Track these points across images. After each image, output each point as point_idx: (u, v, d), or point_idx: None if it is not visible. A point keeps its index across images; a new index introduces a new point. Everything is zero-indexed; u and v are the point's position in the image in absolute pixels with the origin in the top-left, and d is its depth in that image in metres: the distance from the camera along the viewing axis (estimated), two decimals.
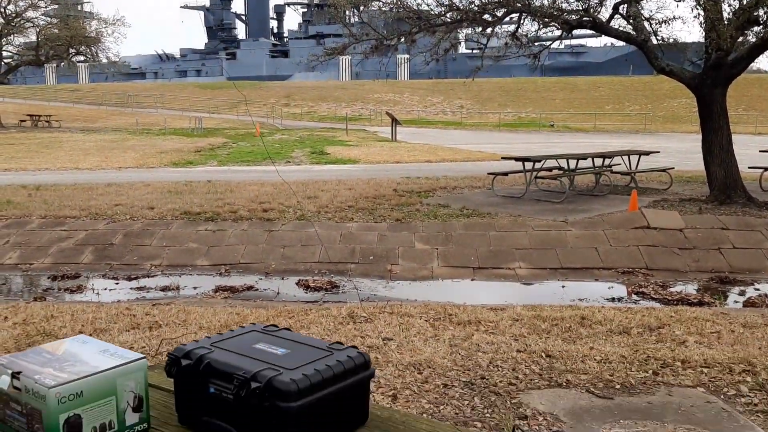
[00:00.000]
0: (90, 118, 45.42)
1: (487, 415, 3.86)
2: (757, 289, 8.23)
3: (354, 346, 1.78)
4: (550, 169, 13.18)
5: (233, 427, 1.62)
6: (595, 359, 4.77)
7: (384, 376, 4.44)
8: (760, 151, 14.73)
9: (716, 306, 7.21)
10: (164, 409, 1.84)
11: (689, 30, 34.84)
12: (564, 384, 4.36)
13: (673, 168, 14.89)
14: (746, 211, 10.89)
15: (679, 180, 14.66)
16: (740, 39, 11.21)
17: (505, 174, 13.50)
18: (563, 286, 8.50)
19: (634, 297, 7.95)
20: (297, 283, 8.44)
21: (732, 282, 8.57)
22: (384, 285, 8.52)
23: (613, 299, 7.74)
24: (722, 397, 4.20)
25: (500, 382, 4.36)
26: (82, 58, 48.16)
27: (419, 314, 6.11)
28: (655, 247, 9.63)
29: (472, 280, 8.85)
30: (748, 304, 7.55)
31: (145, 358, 1.69)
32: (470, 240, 9.91)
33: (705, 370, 4.57)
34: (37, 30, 42.49)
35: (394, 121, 30.24)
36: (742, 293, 8.19)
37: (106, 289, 8.22)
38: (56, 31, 42.25)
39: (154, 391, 1.95)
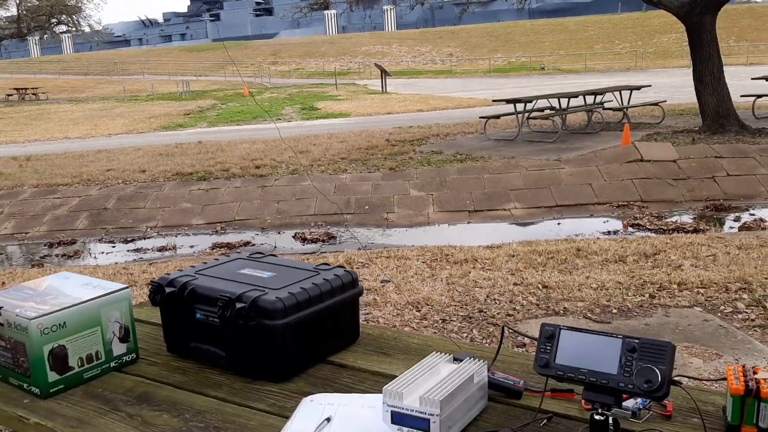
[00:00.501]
0: (77, 88, 44.87)
1: (486, 344, 3.90)
2: (752, 214, 8.25)
3: (341, 266, 1.77)
4: (541, 110, 13.09)
5: (221, 350, 1.62)
6: (591, 287, 4.80)
7: (383, 316, 4.48)
8: (752, 79, 14.61)
9: (712, 232, 7.23)
10: (154, 342, 1.85)
11: None
12: (561, 312, 4.40)
13: (665, 101, 14.79)
14: (739, 139, 10.86)
15: (671, 113, 14.57)
16: None
17: (497, 117, 13.40)
18: (558, 224, 8.52)
19: (630, 229, 7.98)
20: (294, 237, 8.46)
21: (727, 209, 8.59)
22: (381, 233, 8.55)
23: (608, 232, 7.77)
24: (719, 314, 4.25)
25: (498, 314, 4.40)
26: (64, 28, 47.38)
27: (416, 257, 6.13)
28: (649, 180, 9.63)
29: (468, 222, 8.87)
30: (744, 228, 7.58)
31: (129, 287, 1.69)
32: (464, 184, 9.90)
33: (701, 291, 4.61)
34: (17, 2, 41.71)
35: (384, 73, 29.91)
36: (737, 219, 8.21)
37: (103, 252, 8.23)
38: (36, 1, 41.46)
39: (144, 326, 1.96)
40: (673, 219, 8.25)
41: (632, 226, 8.15)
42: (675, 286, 4.74)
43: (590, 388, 1.21)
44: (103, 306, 1.63)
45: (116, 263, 7.51)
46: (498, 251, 6.09)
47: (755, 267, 5.10)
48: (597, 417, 1.20)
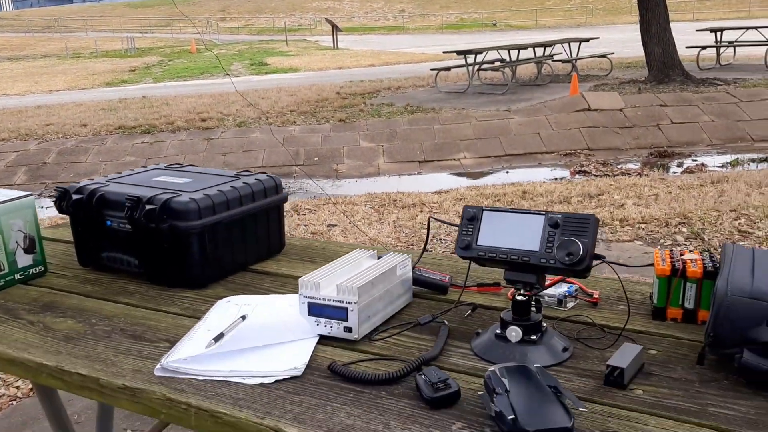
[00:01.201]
0: (17, 46, 42.97)
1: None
2: (695, 160, 8.40)
3: (263, 172, 1.69)
4: (492, 62, 13.03)
5: (134, 258, 1.53)
6: None
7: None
8: (696, 31, 14.78)
9: (655, 174, 7.34)
10: (65, 257, 1.75)
11: None
12: None
13: (613, 53, 14.87)
14: (684, 88, 11.00)
15: (619, 66, 14.68)
16: None
17: (448, 69, 13.29)
18: (507, 172, 8.55)
19: (577, 176, 8.05)
20: None
21: (671, 155, 8.73)
22: (330, 184, 8.45)
23: (555, 179, 7.81)
24: (659, 247, 4.30)
25: (443, 252, 4.38)
26: None
27: (364, 202, 6.07)
28: (596, 128, 9.70)
29: (419, 173, 8.83)
30: (686, 172, 7.71)
31: (32, 194, 1.58)
32: (415, 135, 9.83)
33: (642, 226, 4.67)
34: None
35: (335, 29, 29.39)
36: (680, 165, 8.35)
37: (42, 207, 7.94)
38: None
39: (57, 245, 1.85)
40: (619, 165, 8.35)
41: (579, 173, 8.22)
42: (617, 222, 4.79)
43: (512, 268, 1.17)
44: (3, 214, 1.51)
45: (55, 216, 7.25)
46: (446, 195, 6.06)
47: (695, 204, 5.19)
48: (519, 297, 1.16)
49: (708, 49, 13.78)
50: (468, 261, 1.22)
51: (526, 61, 13.24)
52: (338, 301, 1.21)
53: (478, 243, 1.19)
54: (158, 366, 1.16)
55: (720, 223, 4.71)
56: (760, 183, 5.90)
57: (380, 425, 0.97)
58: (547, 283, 1.27)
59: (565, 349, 1.16)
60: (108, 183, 1.63)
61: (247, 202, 1.58)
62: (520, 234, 1.16)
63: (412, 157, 9.26)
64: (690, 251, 1.30)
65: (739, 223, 4.72)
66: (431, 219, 1.43)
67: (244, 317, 1.30)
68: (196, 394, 1.08)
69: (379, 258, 1.41)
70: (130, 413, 2.70)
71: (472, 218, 1.20)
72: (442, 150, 9.46)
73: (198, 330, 1.28)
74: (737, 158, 8.33)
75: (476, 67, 12.67)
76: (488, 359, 1.15)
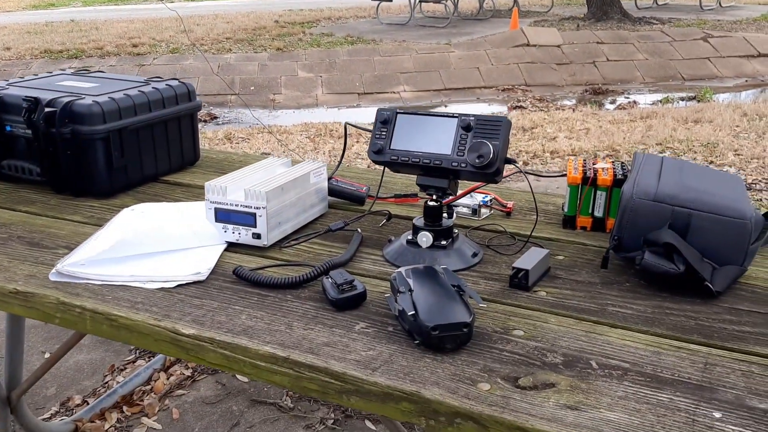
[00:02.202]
0: None
1: None
2: (627, 97, 8.54)
3: (175, 78, 1.61)
4: None
5: (36, 165, 1.45)
6: None
7: None
8: None
9: (587, 109, 7.44)
10: None
11: None
12: None
13: None
14: (621, 26, 11.09)
15: (559, 3, 14.68)
16: None
17: (390, 0, 13.02)
18: (446, 106, 8.51)
19: (513, 111, 8.09)
20: None
21: (605, 92, 8.84)
22: (267, 114, 8.25)
23: (492, 114, 7.84)
24: (572, 157, 4.38)
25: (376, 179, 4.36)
26: None
27: (299, 132, 5.97)
28: (534, 64, 9.72)
29: (358, 105, 8.71)
30: (618, 108, 7.84)
31: None
32: (355, 66, 9.65)
33: (572, 158, 4.74)
34: None
35: None
36: (613, 101, 8.48)
37: None
38: None
39: None
40: (555, 102, 8.42)
41: (515, 107, 8.25)
42: (548, 154, 4.85)
43: (425, 173, 1.15)
44: None
45: None
46: None
47: (623, 137, 5.29)
48: (430, 203, 1.15)
49: None
50: (382, 166, 1.20)
51: None
52: (246, 206, 1.17)
53: (391, 147, 1.16)
54: (53, 270, 1.10)
55: None
56: (686, 118, 6.05)
57: (282, 326, 0.95)
58: (461, 192, 1.26)
59: (474, 255, 1.16)
60: (8, 86, 1.52)
61: (156, 108, 1.50)
62: (433, 137, 1.13)
63: (352, 89, 9.12)
64: (602, 159, 1.30)
65: (664, 156, 4.84)
66: (347, 125, 1.39)
67: (147, 221, 1.25)
68: (92, 297, 1.03)
69: (294, 165, 1.37)
70: (48, 335, 2.63)
71: (385, 121, 1.17)
72: (382, 82, 9.34)
73: (99, 237, 1.22)
74: (668, 96, 8.49)
75: None
76: (399, 264, 1.14)
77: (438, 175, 1.14)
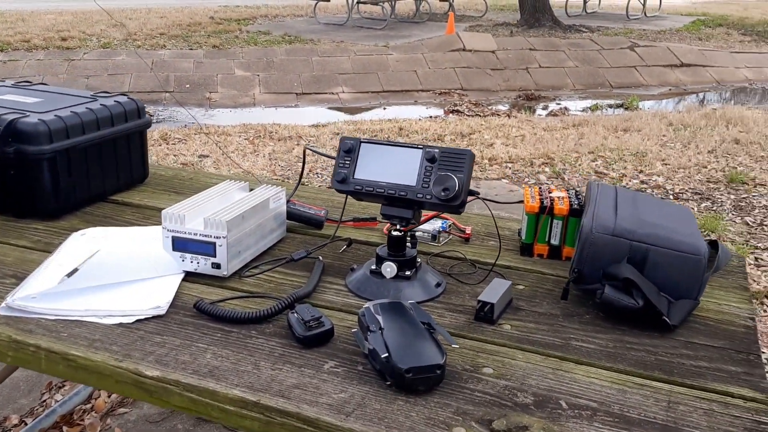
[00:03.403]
0: None
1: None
2: (559, 103, 8.76)
3: (124, 93, 1.55)
4: None
5: None
6: None
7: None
8: None
9: (522, 116, 7.60)
10: None
11: None
12: None
13: None
14: (552, 33, 11.38)
15: (493, 8, 14.94)
16: None
17: (328, 0, 12.96)
18: (384, 108, 8.54)
19: (450, 115, 8.18)
20: None
21: (537, 98, 9.05)
22: (203, 113, 8.08)
23: (430, 117, 7.91)
24: (523, 186, 4.48)
25: (320, 186, 4.33)
26: None
27: (238, 133, 5.87)
28: (470, 69, 9.86)
29: (296, 105, 8.64)
30: (550, 115, 8.04)
31: None
32: (293, 66, 9.57)
33: (510, 165, 4.83)
34: None
35: None
36: (545, 107, 8.69)
37: None
38: None
39: None
40: (490, 106, 8.56)
41: (452, 112, 8.35)
42: (486, 161, 4.93)
43: (389, 203, 1.14)
44: None
45: None
46: (323, 129, 5.98)
47: (557, 145, 5.43)
48: (395, 233, 1.14)
49: None
50: (344, 195, 1.19)
51: None
52: (205, 236, 1.14)
53: (355, 176, 1.15)
54: (3, 304, 1.05)
55: (579, 164, 4.96)
56: (616, 127, 6.25)
57: (249, 366, 0.93)
58: (422, 218, 1.26)
59: (438, 285, 1.16)
60: None
61: (105, 126, 1.45)
62: (397, 168, 1.13)
63: (290, 89, 9.03)
64: (557, 189, 1.33)
65: (596, 164, 4.99)
66: (307, 150, 1.38)
67: (99, 250, 1.20)
68: (47, 335, 0.99)
69: (251, 190, 1.35)
70: None
71: (349, 150, 1.16)
72: (320, 83, 9.29)
73: (49, 265, 1.17)
74: (597, 103, 8.76)
75: (356, 0, 12.45)
76: (363, 295, 1.13)
77: (402, 206, 1.14)
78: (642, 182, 4.60)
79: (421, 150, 1.13)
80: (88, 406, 2.20)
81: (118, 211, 1.46)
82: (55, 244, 1.28)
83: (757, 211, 4.12)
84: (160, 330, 1.02)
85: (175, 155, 5.04)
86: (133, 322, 1.03)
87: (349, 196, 1.19)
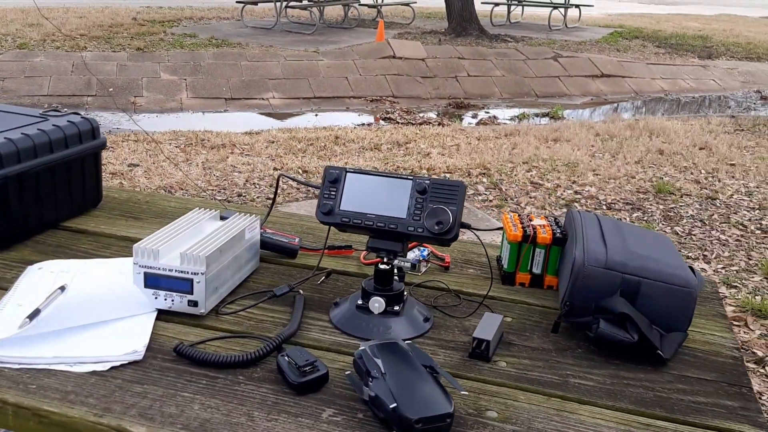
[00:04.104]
0: None
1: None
2: (487, 112, 8.91)
3: (76, 113, 1.45)
4: (300, 0, 12.73)
5: None
6: None
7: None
8: None
9: (455, 125, 7.68)
10: None
11: None
12: None
13: (416, 2, 15.22)
14: (479, 42, 11.59)
15: (420, 15, 15.09)
16: None
17: (255, 3, 12.78)
18: (316, 115, 8.47)
19: (382, 123, 8.19)
20: None
21: (466, 106, 9.18)
22: (128, 118, 7.79)
23: (363, 124, 7.89)
24: (507, 210, 4.51)
25: (258, 197, 4.23)
26: None
27: (168, 140, 5.68)
28: (401, 76, 9.91)
29: (225, 110, 8.45)
30: (480, 123, 8.17)
31: None
32: (221, 70, 9.36)
33: (448, 175, 4.86)
34: None
35: None
36: (475, 115, 8.82)
37: None
38: None
39: None
40: (421, 114, 8.62)
41: (384, 119, 8.37)
42: (425, 171, 4.95)
43: (377, 235, 1.10)
44: None
45: None
46: (257, 137, 5.86)
47: (492, 155, 5.51)
48: (382, 266, 1.10)
49: (500, 5, 14.58)
50: (328, 226, 1.14)
51: (334, 2, 13.11)
52: (182, 272, 1.07)
53: (341, 208, 1.11)
54: None
55: (515, 175, 5.04)
56: (546, 137, 6.40)
57: (242, 417, 0.87)
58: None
59: (426, 320, 1.13)
60: None
61: (58, 149, 1.35)
62: (385, 199, 1.09)
63: (218, 94, 8.83)
64: (536, 216, 1.32)
65: (531, 175, 5.09)
66: (282, 177, 1.32)
67: (63, 288, 1.11)
68: (13, 387, 0.90)
69: (222, 218, 1.28)
70: None
71: (334, 180, 1.12)
72: (250, 88, 9.12)
73: (6, 305, 1.07)
74: (524, 112, 8.95)
75: (284, 3, 12.32)
76: (349, 332, 1.09)
77: (391, 238, 1.10)
78: (576, 192, 4.72)
79: (411, 181, 1.10)
80: None
81: (73, 239, 1.36)
82: (8, 279, 1.18)
83: (684, 220, 4.29)
84: (140, 378, 0.94)
85: (103, 164, 4.82)
86: (108, 370, 0.95)
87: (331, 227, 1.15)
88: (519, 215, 1.34)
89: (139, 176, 4.59)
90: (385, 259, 1.10)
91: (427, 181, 1.09)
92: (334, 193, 1.11)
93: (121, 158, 5.00)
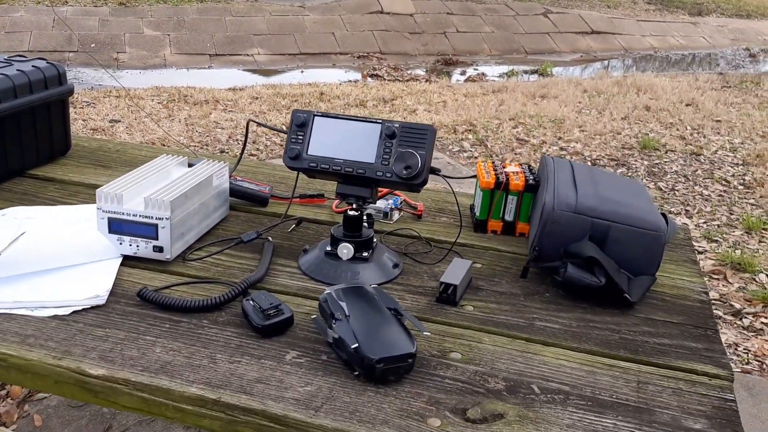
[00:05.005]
0: None
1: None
2: (476, 69, 8.82)
3: (42, 58, 1.41)
4: None
5: None
6: None
7: None
8: None
9: (442, 82, 7.61)
10: None
11: None
12: None
13: None
14: None
15: None
16: None
17: None
18: (302, 71, 8.36)
19: (369, 79, 8.10)
20: None
21: (455, 63, 9.08)
22: (110, 75, 7.67)
23: (350, 81, 7.80)
24: (448, 153, 4.49)
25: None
26: None
27: (151, 96, 5.60)
28: (388, 32, 9.77)
29: (209, 67, 8.32)
30: (469, 80, 8.10)
31: None
32: (205, 26, 9.19)
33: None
34: None
35: None
36: (463, 72, 8.73)
37: None
38: None
39: None
40: (409, 71, 8.53)
41: (371, 76, 8.27)
42: None
43: (345, 181, 1.09)
44: None
45: None
46: (241, 93, 5.79)
47: (479, 112, 5.47)
48: (351, 213, 1.09)
49: None
50: (296, 172, 1.12)
51: None
52: (146, 217, 1.05)
53: (308, 153, 1.09)
54: None
55: (501, 131, 5.02)
56: (534, 94, 6.36)
57: (205, 359, 0.87)
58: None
59: (395, 266, 1.12)
60: None
61: (23, 94, 1.31)
62: (354, 144, 1.07)
63: (203, 50, 8.68)
64: (510, 164, 1.31)
65: (517, 131, 5.06)
66: (250, 122, 1.29)
67: (25, 233, 1.09)
68: None
69: (190, 165, 1.26)
70: None
71: (302, 124, 1.09)
72: (235, 44, 8.98)
73: None
74: (513, 69, 8.88)
75: None
76: (317, 278, 1.08)
77: (359, 184, 1.08)
78: (561, 149, 4.70)
79: (379, 125, 1.08)
80: (3, 392, 2.06)
81: (40, 187, 1.33)
82: None
83: (668, 176, 4.30)
84: (101, 322, 0.93)
85: (84, 120, 4.75)
86: (69, 314, 0.94)
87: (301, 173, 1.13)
88: (493, 162, 1.32)
89: (121, 132, 4.53)
90: (354, 206, 1.09)
91: (396, 125, 1.07)
92: (301, 137, 1.09)
93: (103, 114, 4.93)
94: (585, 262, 1.04)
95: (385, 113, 5.36)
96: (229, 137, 4.53)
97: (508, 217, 1.27)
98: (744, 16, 12.52)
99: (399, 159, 1.04)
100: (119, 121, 4.78)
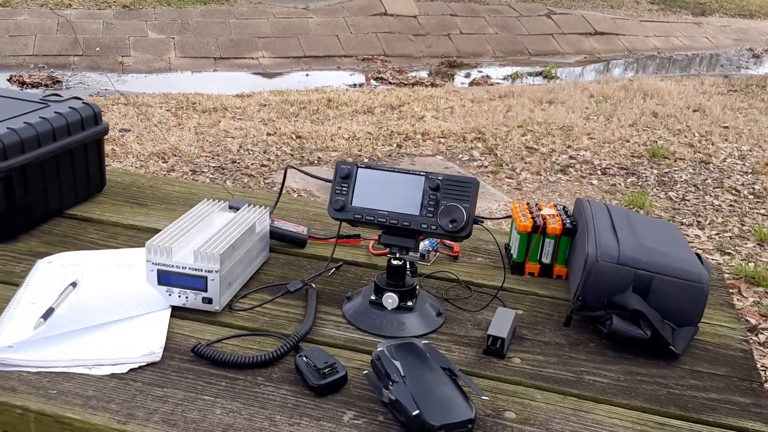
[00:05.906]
0: None
1: (254, 189, 3.72)
2: (480, 71, 8.83)
3: (78, 97, 1.42)
4: None
5: None
6: (343, 137, 4.79)
7: (124, 168, 4.04)
8: None
9: (448, 86, 7.62)
10: None
11: None
12: (315, 162, 4.33)
13: None
14: None
15: None
16: None
17: None
18: (307, 75, 8.37)
19: (374, 83, 8.11)
20: (9, 80, 7.23)
21: (459, 65, 9.09)
22: (116, 79, 7.67)
23: (355, 85, 7.81)
24: (458, 162, 4.50)
25: (252, 164, 4.20)
26: None
27: (159, 104, 5.61)
28: (392, 34, 9.78)
29: (214, 70, 8.33)
30: (473, 84, 8.11)
31: None
32: (209, 28, 9.19)
33: (442, 140, 4.84)
34: None
35: None
36: (467, 75, 8.74)
37: None
38: None
39: None
40: (413, 73, 8.54)
41: (376, 79, 8.28)
42: (419, 136, 4.92)
43: (389, 232, 1.10)
44: None
45: None
46: (249, 100, 5.79)
47: (487, 118, 5.48)
48: (395, 262, 1.10)
49: None
50: (340, 222, 1.13)
51: None
52: (196, 270, 1.07)
53: (353, 204, 1.10)
54: None
55: (510, 139, 5.03)
56: (541, 99, 6.37)
57: (265, 421, 0.88)
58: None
59: (439, 314, 1.13)
60: None
61: (61, 137, 1.33)
62: (398, 196, 1.09)
63: (207, 53, 8.69)
64: (545, 206, 1.32)
65: (526, 139, 5.07)
66: (289, 168, 1.31)
67: (74, 284, 1.11)
68: (33, 393, 0.90)
69: (230, 208, 1.27)
70: None
71: (346, 176, 1.11)
72: (239, 47, 8.98)
73: (19, 303, 1.06)
74: (517, 71, 8.88)
75: None
76: (363, 328, 1.09)
77: (403, 234, 1.09)
78: (571, 157, 4.71)
79: (423, 177, 1.09)
80: None
81: (79, 228, 1.35)
82: (17, 273, 1.17)
83: (678, 185, 4.31)
84: (159, 381, 0.94)
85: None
86: (126, 372, 0.95)
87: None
88: (528, 204, 1.34)
89: (131, 142, 4.53)
90: (397, 254, 1.10)
91: (440, 178, 1.08)
92: (345, 189, 1.10)
93: (112, 123, 4.93)
94: (630, 313, 1.05)
95: (393, 120, 5.37)
96: (240, 147, 4.54)
97: (546, 260, 1.28)
98: (747, 15, 12.52)
99: (444, 213, 1.06)
100: (129, 131, 4.79)
